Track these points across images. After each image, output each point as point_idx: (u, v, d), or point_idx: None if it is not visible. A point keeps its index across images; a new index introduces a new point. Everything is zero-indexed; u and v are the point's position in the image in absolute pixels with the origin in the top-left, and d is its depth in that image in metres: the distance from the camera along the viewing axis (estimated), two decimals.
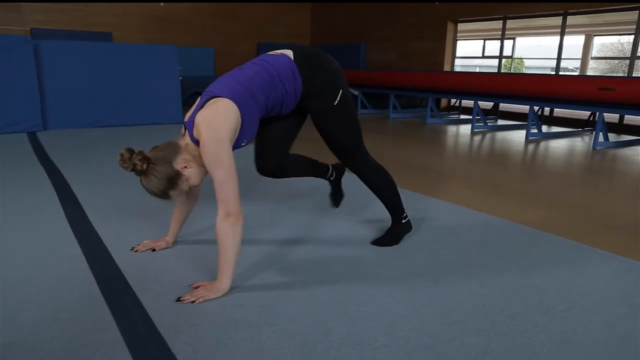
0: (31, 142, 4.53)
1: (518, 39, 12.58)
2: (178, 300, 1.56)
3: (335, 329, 1.41)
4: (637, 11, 7.36)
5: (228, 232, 1.54)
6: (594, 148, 5.55)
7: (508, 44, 9.34)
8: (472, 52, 13.87)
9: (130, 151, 1.62)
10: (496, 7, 8.85)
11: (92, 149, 4.26)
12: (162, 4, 10.60)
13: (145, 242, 2.01)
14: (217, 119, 1.58)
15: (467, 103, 9.86)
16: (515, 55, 11.51)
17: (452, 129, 7.03)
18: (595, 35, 12.80)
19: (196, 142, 1.63)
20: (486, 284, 1.77)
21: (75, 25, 9.41)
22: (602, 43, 13.38)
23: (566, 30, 8.30)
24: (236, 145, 1.71)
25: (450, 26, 9.78)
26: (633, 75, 8.26)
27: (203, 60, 10.75)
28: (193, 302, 1.55)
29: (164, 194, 1.65)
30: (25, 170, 3.38)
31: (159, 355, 1.26)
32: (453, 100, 10.01)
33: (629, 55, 8.01)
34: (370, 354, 1.28)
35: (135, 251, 1.95)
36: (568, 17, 8.13)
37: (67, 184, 2.98)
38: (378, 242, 2.14)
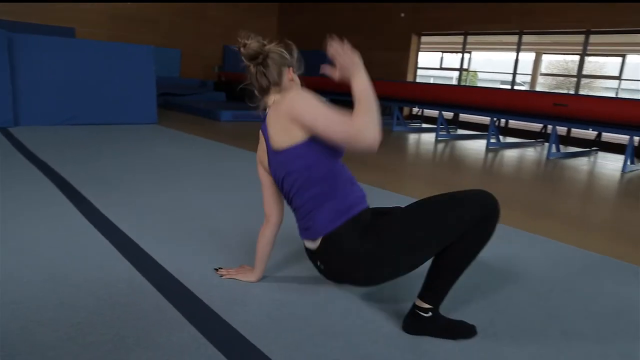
0: (7, 138, 4.48)
1: (473, 53, 13.26)
2: (215, 270, 1.81)
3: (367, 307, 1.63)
4: (584, 35, 8.03)
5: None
6: (547, 158, 6.05)
7: (465, 57, 9.86)
8: (428, 63, 14.48)
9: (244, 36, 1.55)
10: (458, 23, 9.36)
11: (76, 147, 4.27)
12: (128, 2, 10.48)
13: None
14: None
15: (429, 112, 10.33)
16: (470, 69, 12.13)
17: (417, 137, 7.41)
18: (544, 53, 13.69)
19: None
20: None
21: (37, 18, 9.14)
22: (550, 60, 14.42)
23: (528, 47, 8.91)
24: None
25: (414, 38, 10.24)
26: (580, 92, 8.97)
27: (169, 61, 10.69)
28: (222, 275, 1.78)
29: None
30: (15, 168, 3.39)
31: (224, 328, 1.43)
32: (415, 110, 10.46)
33: (575, 74, 8.70)
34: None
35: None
36: (522, 36, 8.74)
37: (67, 182, 3.04)
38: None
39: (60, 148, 4.14)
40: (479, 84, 19.24)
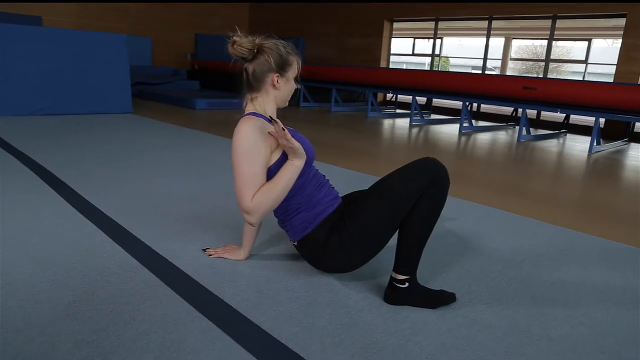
0: None
1: (445, 39, 13.43)
2: (203, 250, 1.87)
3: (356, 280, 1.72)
4: (551, 20, 8.25)
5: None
6: (518, 140, 6.24)
7: (437, 43, 10.01)
8: (401, 49, 14.60)
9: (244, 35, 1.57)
10: (429, 9, 9.48)
11: (52, 136, 4.22)
12: None
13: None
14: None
15: (402, 98, 10.47)
16: (442, 54, 12.31)
17: (391, 122, 7.52)
18: (513, 38, 13.97)
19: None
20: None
21: (0, 6, 8.87)
22: (519, 45, 14.73)
23: (497, 32, 9.10)
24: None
25: (386, 25, 10.32)
26: (548, 76, 9.22)
27: (140, 50, 10.52)
28: (210, 255, 1.83)
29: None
30: None
31: (216, 303, 1.49)
32: (389, 95, 10.58)
33: (544, 58, 8.94)
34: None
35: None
36: (492, 21, 8.91)
37: (46, 169, 3.02)
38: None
39: (35, 137, 4.09)
40: (451, 70, 19.52)
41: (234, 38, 1.55)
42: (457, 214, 2.63)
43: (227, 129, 5.28)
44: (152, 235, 2.02)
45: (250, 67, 1.59)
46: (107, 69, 5.94)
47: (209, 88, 10.33)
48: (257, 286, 1.62)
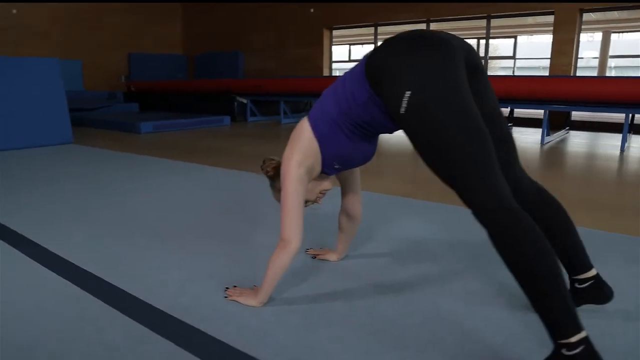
0: None
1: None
2: (226, 289, 1.71)
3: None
4: (485, 19, 8.55)
5: (274, 256, 1.56)
6: None
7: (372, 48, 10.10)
8: (336, 56, 14.64)
9: (267, 159, 1.70)
10: (368, 15, 9.56)
11: None
12: (14, 10, 9.52)
13: (318, 249, 2.08)
14: (292, 140, 1.59)
15: None
16: None
17: None
18: None
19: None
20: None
21: None
22: None
23: None
24: (328, 169, 1.63)
25: (326, 33, 10.31)
26: (488, 74, 9.52)
27: (69, 74, 9.87)
28: (225, 297, 1.67)
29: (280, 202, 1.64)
30: None
31: (202, 341, 1.29)
32: None
33: (482, 56, 9.24)
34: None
35: (313, 256, 2.04)
36: (430, 24, 9.11)
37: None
38: None
39: None
40: None
41: (266, 168, 1.71)
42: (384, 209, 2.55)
43: (177, 151, 4.98)
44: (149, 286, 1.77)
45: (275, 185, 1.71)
46: (40, 96, 5.44)
47: (149, 110, 9.86)
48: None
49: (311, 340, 1.41)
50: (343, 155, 1.58)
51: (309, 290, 1.76)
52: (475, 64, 1.33)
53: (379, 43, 2.52)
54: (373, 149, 1.65)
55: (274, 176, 1.68)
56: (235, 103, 8.82)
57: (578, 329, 1.10)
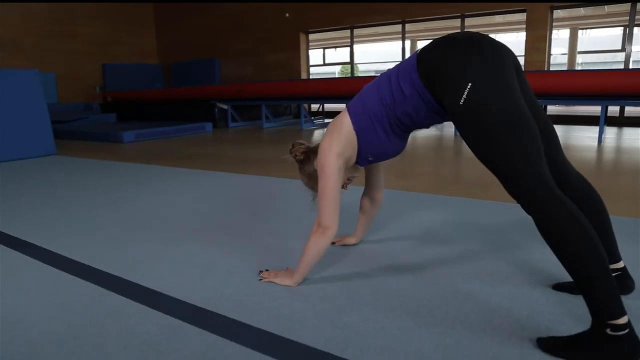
0: None
1: (356, 46, 13.78)
2: (260, 272, 1.79)
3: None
4: (459, 19, 8.74)
5: (312, 240, 1.63)
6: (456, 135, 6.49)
7: (346, 50, 10.18)
8: (313, 60, 14.76)
9: (296, 143, 1.80)
10: (342, 17, 9.65)
11: None
12: None
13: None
14: (332, 132, 1.66)
15: (329, 107, 10.56)
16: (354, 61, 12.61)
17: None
18: (418, 40, 14.69)
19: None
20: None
21: None
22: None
23: (399, 36, 9.46)
24: (363, 160, 1.74)
25: (302, 37, 10.37)
26: None
27: (43, 87, 9.64)
28: (260, 279, 1.74)
29: (310, 188, 1.79)
30: None
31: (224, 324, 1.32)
32: (314, 106, 10.60)
33: None
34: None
35: (332, 242, 2.00)
36: (405, 24, 9.27)
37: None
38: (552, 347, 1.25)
39: None
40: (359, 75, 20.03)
41: (295, 152, 1.81)
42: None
43: (168, 159, 4.95)
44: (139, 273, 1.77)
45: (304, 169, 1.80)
46: (22, 109, 5.33)
47: (127, 120, 9.73)
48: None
49: (342, 322, 1.45)
50: (379, 149, 1.68)
51: (334, 275, 1.80)
52: (517, 66, 1.42)
53: (418, 44, 2.56)
54: (404, 145, 1.75)
55: (304, 160, 1.76)
56: (216, 109, 8.78)
57: (624, 312, 1.16)
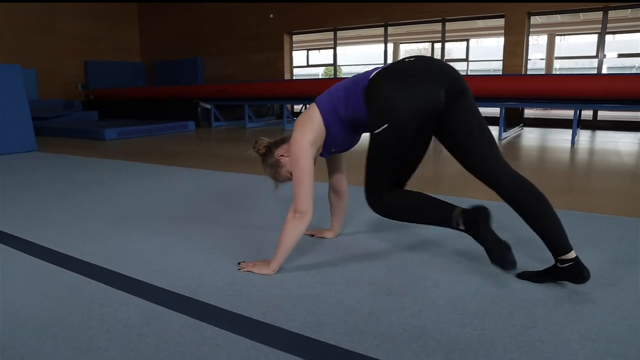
0: None
1: (339, 48, 13.89)
2: (239, 263, 1.86)
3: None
4: (440, 23, 8.90)
5: (289, 226, 1.73)
6: None
7: (330, 52, 10.28)
8: (297, 61, 14.85)
9: (258, 139, 1.92)
10: (326, 19, 9.75)
11: None
12: None
13: (314, 230, 2.20)
14: (304, 123, 1.79)
15: None
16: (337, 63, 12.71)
17: None
18: (401, 43, 14.86)
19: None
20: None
21: None
22: (407, 50, 15.93)
23: (382, 39, 9.58)
24: (327, 151, 1.92)
25: (286, 38, 10.44)
26: None
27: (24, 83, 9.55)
28: (239, 269, 1.81)
29: (272, 178, 1.91)
30: None
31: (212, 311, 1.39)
32: (297, 107, 10.68)
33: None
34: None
35: (310, 235, 2.18)
36: (388, 27, 9.40)
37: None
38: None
39: None
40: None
41: (257, 147, 1.93)
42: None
43: (150, 156, 4.98)
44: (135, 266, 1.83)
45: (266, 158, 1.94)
46: (3, 104, 5.31)
47: (109, 117, 9.68)
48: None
49: (316, 307, 1.52)
50: (341, 141, 1.88)
51: (309, 264, 1.89)
52: (461, 89, 1.66)
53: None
54: (359, 138, 1.97)
55: (266, 153, 1.90)
56: (199, 109, 8.80)
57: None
